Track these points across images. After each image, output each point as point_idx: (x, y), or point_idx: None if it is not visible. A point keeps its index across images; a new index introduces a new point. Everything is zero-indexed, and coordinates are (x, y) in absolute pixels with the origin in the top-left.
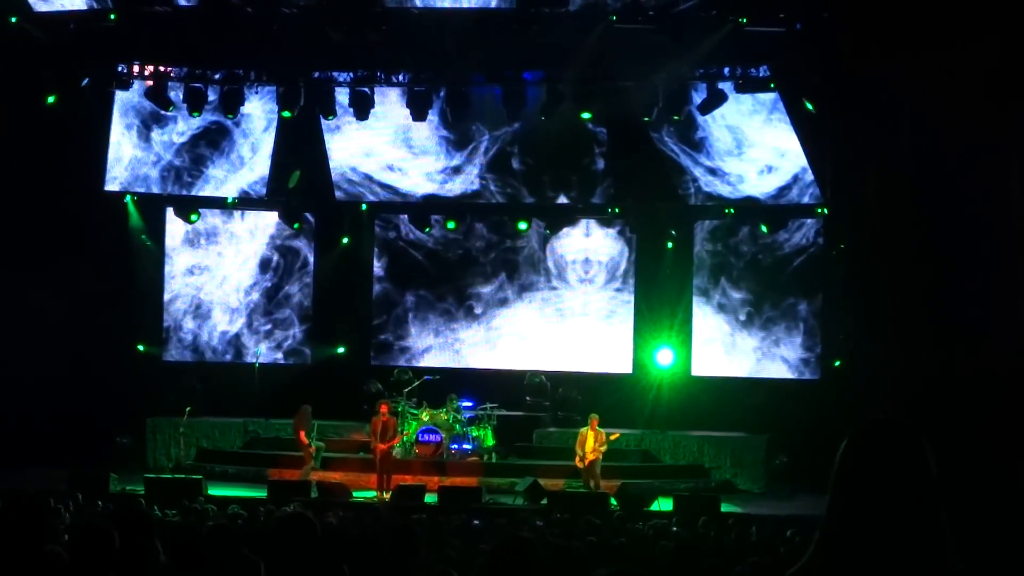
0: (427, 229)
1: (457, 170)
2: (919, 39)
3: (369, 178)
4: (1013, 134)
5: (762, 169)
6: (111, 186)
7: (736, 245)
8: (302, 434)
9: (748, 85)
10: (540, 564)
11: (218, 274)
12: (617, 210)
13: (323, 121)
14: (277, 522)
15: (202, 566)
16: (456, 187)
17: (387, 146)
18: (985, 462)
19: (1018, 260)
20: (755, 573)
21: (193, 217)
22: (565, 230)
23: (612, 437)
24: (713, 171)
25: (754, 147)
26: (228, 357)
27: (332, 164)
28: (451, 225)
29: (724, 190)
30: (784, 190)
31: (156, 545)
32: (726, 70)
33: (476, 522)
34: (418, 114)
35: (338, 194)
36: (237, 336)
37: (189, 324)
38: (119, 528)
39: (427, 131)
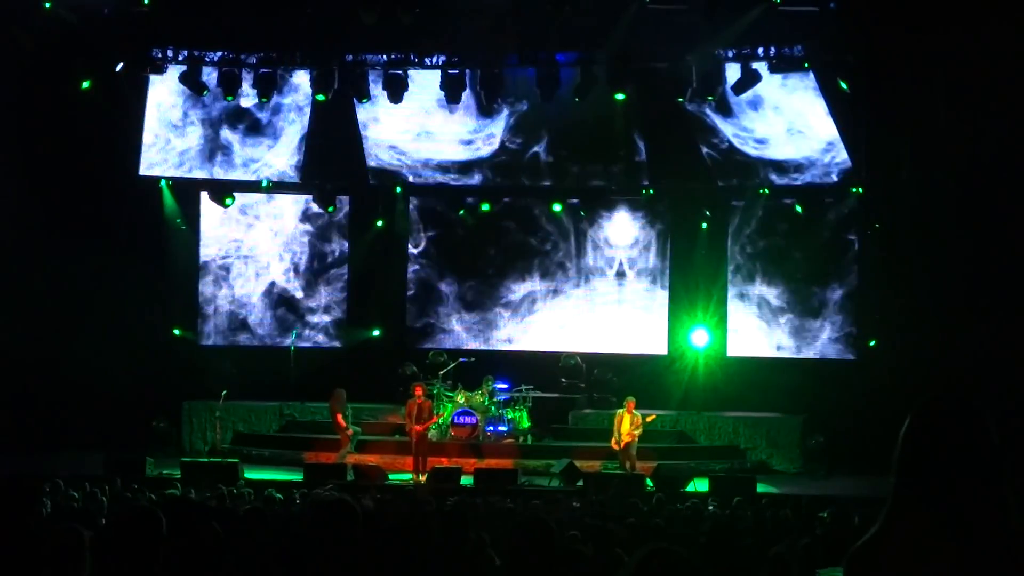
0: (461, 212)
1: (490, 136)
2: (953, 15)
3: (401, 152)
4: None
5: (791, 130)
6: (146, 170)
7: (771, 225)
8: (339, 417)
9: (782, 65)
10: (563, 547)
11: (253, 258)
12: (651, 192)
13: (357, 103)
14: (315, 508)
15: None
16: (486, 150)
17: (420, 116)
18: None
19: None
20: (792, 553)
21: (228, 201)
22: (600, 212)
23: (648, 419)
24: (743, 131)
25: (783, 112)
26: (263, 341)
27: (366, 144)
28: (485, 207)
29: (750, 150)
30: (812, 163)
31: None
32: (760, 50)
33: (510, 503)
34: (452, 96)
35: (371, 177)
36: (272, 319)
37: (224, 308)
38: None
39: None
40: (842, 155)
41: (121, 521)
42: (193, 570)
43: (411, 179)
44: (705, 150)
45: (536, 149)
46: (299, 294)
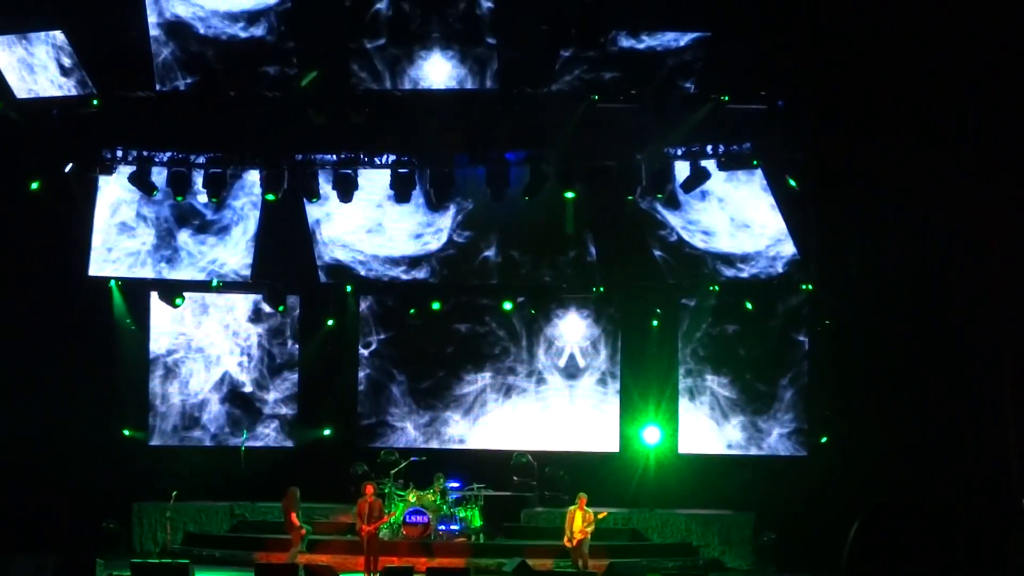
0: (412, 311)
1: (439, 231)
2: (900, 114)
3: (353, 249)
4: (996, 215)
5: (736, 222)
6: (96, 271)
7: (721, 322)
8: (293, 516)
9: (731, 162)
10: None
11: (203, 358)
12: (602, 289)
13: (307, 202)
14: None
15: None
16: (435, 244)
17: (371, 210)
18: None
19: (1001, 341)
20: None
21: (178, 301)
22: (550, 310)
23: (600, 516)
24: (690, 223)
25: (728, 205)
26: (215, 440)
27: (319, 239)
28: (436, 306)
29: (697, 241)
30: (759, 256)
31: None
32: (708, 148)
33: None
34: (402, 195)
35: (322, 275)
36: (224, 415)
37: (175, 405)
38: None
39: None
40: (788, 248)
41: None
42: None
43: (362, 272)
44: (656, 248)
45: (485, 246)
46: (249, 388)
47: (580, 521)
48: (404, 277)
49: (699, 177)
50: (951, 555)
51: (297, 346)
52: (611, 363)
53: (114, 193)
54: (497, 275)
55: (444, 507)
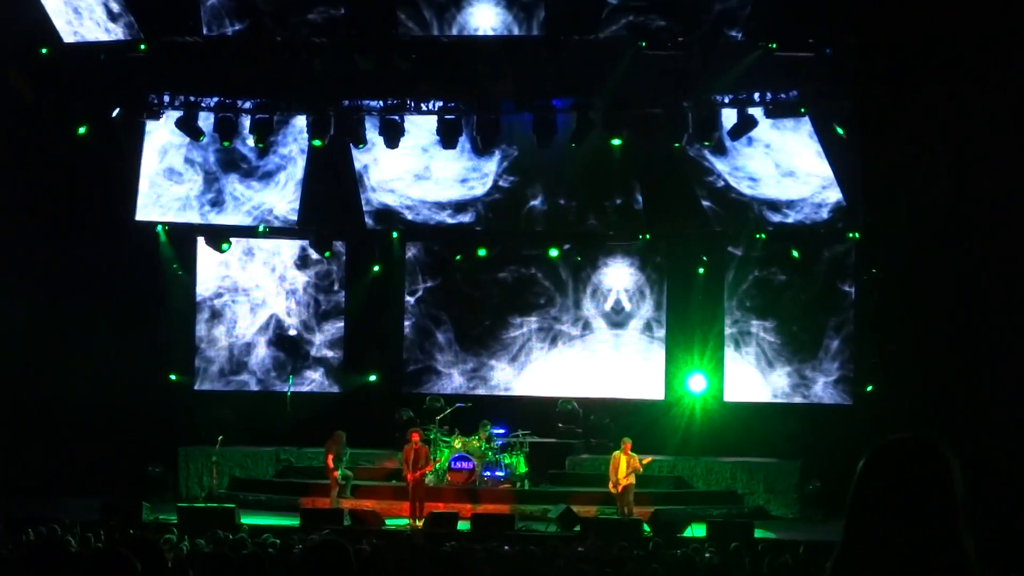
0: (458, 257)
1: (484, 176)
2: (948, 60)
3: (400, 194)
4: None
5: (782, 168)
6: (142, 215)
7: (768, 271)
8: (329, 458)
9: (778, 110)
10: None
11: (249, 302)
12: (648, 237)
13: (353, 148)
14: (308, 550)
15: None
16: (481, 189)
17: (418, 156)
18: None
19: None
20: None
21: (224, 246)
22: (596, 258)
23: (644, 461)
24: (735, 169)
25: (775, 152)
26: (260, 386)
27: (367, 184)
28: (482, 253)
29: (743, 187)
30: (804, 202)
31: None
32: (756, 95)
33: (507, 547)
34: (449, 142)
35: (369, 221)
36: (269, 360)
37: (221, 350)
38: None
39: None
40: (834, 195)
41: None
42: None
43: (409, 217)
44: (702, 195)
45: (531, 193)
46: (296, 338)
47: (624, 467)
48: (450, 221)
49: (746, 125)
50: (960, 493)
51: (343, 292)
52: (656, 311)
53: (161, 138)
54: (543, 222)
55: (489, 453)
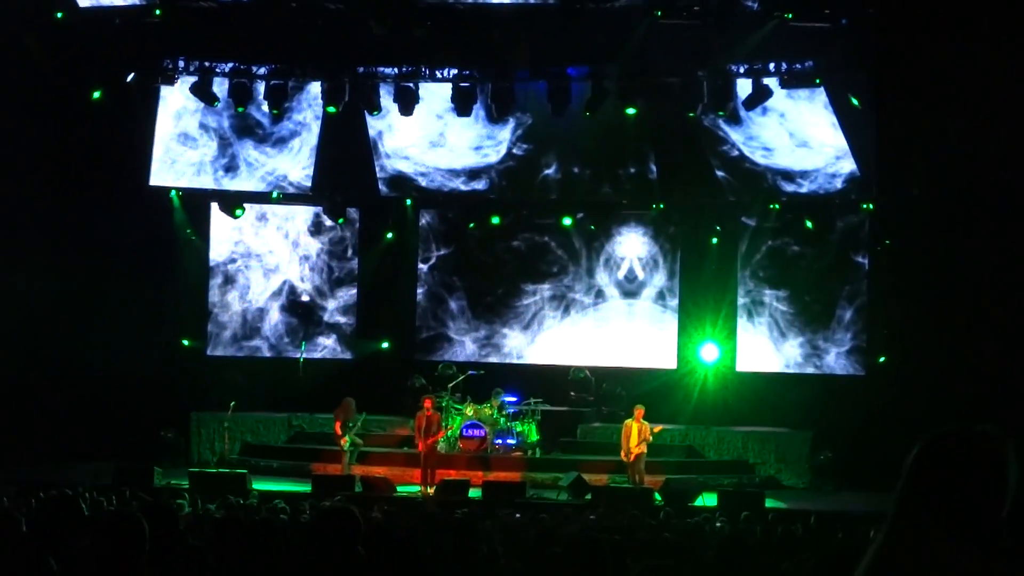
0: (471, 225)
1: (499, 143)
2: (964, 31)
3: (415, 161)
4: None
5: (796, 138)
6: (156, 181)
7: (781, 241)
8: (337, 424)
9: (793, 80)
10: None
11: (263, 268)
12: (662, 206)
13: (368, 115)
14: (318, 515)
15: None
16: (495, 156)
17: (432, 122)
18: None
19: None
20: (801, 569)
21: (238, 212)
22: (610, 227)
23: (655, 430)
24: (750, 139)
25: (789, 121)
26: (272, 351)
27: (381, 151)
28: (495, 220)
29: (757, 157)
30: (818, 172)
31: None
32: (771, 65)
33: (518, 515)
34: (463, 109)
35: (383, 188)
36: (281, 330)
37: (234, 315)
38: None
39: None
40: (847, 165)
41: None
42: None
43: (423, 183)
44: (716, 165)
45: (545, 161)
46: (308, 305)
47: (636, 435)
48: (463, 188)
49: (761, 94)
50: (1013, 485)
51: (356, 259)
52: (670, 280)
53: (176, 103)
54: (557, 190)
55: (501, 421)
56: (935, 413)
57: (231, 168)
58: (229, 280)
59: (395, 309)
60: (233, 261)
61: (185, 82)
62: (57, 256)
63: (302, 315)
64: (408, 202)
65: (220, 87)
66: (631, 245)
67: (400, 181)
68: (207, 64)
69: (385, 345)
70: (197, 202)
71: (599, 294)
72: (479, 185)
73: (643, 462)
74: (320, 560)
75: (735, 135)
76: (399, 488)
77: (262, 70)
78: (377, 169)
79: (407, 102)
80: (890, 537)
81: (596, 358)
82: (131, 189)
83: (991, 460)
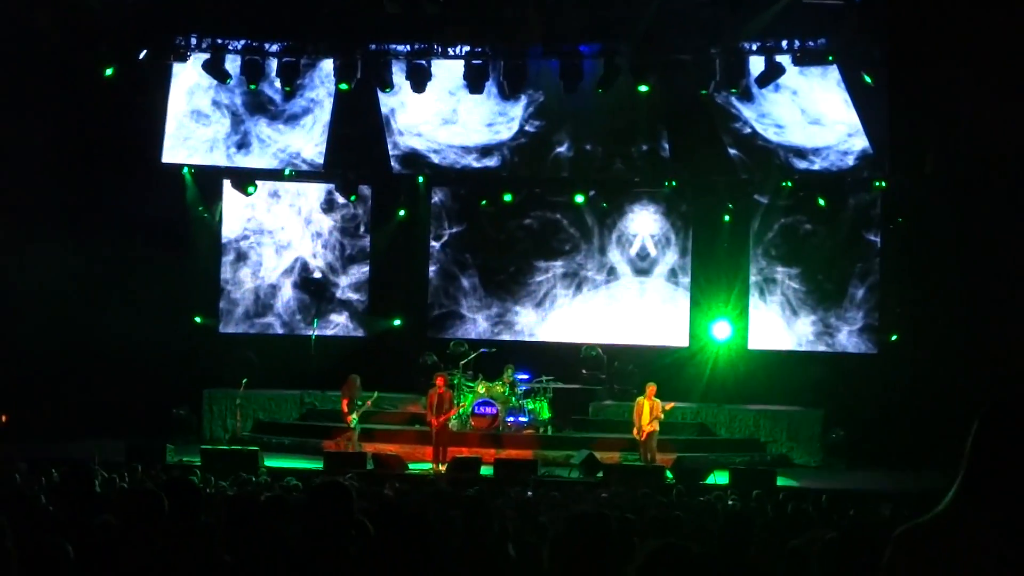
0: (483, 203)
1: (511, 120)
2: (980, 12)
3: (427, 138)
4: None
5: (808, 116)
6: (169, 158)
7: (794, 219)
8: (344, 402)
9: (806, 58)
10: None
11: (275, 245)
12: (674, 184)
13: (380, 92)
14: (312, 490)
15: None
16: (507, 133)
17: (445, 99)
18: None
19: None
20: (812, 547)
21: (250, 189)
22: (622, 205)
23: (667, 407)
24: (762, 116)
25: (801, 98)
26: (285, 329)
27: (393, 128)
28: (507, 198)
29: (770, 134)
30: (830, 149)
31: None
32: (784, 43)
33: (530, 493)
34: (475, 87)
35: (395, 165)
36: (293, 308)
37: (247, 292)
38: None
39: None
40: (860, 143)
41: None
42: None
43: (436, 160)
44: (728, 142)
45: (557, 139)
46: (320, 282)
47: (648, 413)
48: (475, 165)
49: (774, 72)
50: None
51: (369, 236)
52: (682, 257)
53: (189, 80)
54: (569, 168)
55: (513, 399)
56: (947, 391)
57: (243, 145)
58: (241, 257)
59: (407, 287)
60: (245, 238)
61: (197, 59)
62: (69, 234)
63: (314, 292)
64: (420, 179)
65: (232, 64)
66: (643, 223)
67: (412, 158)
68: (219, 41)
69: (397, 323)
70: (210, 179)
71: (611, 272)
72: (491, 162)
73: (655, 440)
74: (316, 536)
75: (747, 112)
76: (411, 466)
77: (274, 47)
78: (389, 146)
79: (419, 79)
80: (955, 503)
81: (608, 336)
82: (144, 166)
83: None
